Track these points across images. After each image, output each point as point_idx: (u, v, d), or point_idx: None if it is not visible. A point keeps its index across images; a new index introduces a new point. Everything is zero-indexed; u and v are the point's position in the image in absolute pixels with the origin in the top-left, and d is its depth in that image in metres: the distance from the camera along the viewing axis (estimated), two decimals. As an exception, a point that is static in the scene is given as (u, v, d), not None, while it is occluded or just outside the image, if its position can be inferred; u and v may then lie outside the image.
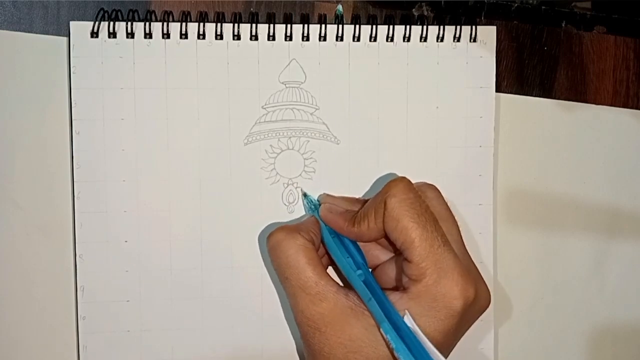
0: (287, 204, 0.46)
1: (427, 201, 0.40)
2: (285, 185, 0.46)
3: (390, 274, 0.42)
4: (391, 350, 0.37)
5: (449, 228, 0.41)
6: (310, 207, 0.45)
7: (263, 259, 0.45)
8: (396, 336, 0.36)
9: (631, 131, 0.49)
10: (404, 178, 0.40)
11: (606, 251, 0.49)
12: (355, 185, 0.46)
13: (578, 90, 0.49)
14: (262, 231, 0.45)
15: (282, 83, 0.45)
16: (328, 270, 0.41)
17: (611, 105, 0.49)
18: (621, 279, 0.49)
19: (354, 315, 0.38)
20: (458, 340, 0.41)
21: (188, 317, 0.45)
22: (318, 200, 0.45)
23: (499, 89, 0.47)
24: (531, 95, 0.48)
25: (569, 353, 0.49)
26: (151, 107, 0.45)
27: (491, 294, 0.40)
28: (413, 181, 0.40)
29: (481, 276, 0.41)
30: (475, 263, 0.40)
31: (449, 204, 0.42)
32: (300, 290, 0.39)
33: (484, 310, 0.41)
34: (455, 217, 0.41)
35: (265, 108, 0.45)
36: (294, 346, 0.46)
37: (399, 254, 0.40)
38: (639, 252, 0.49)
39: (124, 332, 0.45)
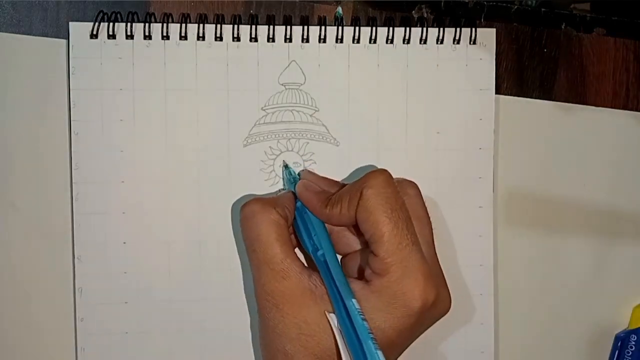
0: (286, 205, 0.45)
1: (404, 198, 0.40)
2: (285, 188, 0.45)
3: (357, 264, 0.42)
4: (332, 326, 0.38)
5: (421, 228, 0.40)
6: (289, 180, 0.44)
7: (233, 228, 0.45)
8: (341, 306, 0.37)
9: (631, 133, 0.49)
10: (384, 171, 0.40)
11: (606, 253, 0.49)
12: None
13: (578, 92, 0.49)
14: (236, 202, 0.45)
15: (282, 84, 0.45)
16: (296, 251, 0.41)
17: (611, 107, 0.49)
18: (621, 281, 0.49)
19: (312, 299, 0.39)
20: (412, 341, 0.40)
21: (186, 319, 0.45)
22: (299, 175, 0.45)
23: (498, 90, 0.47)
24: (531, 97, 0.48)
25: (569, 355, 0.49)
26: (150, 108, 0.44)
27: (492, 295, 0.39)
28: (407, 177, 0.39)
29: (445, 281, 0.41)
30: (476, 266, 0.40)
31: (449, 206, 0.41)
32: (265, 265, 0.39)
33: (443, 315, 0.40)
34: (455, 219, 0.41)
35: (264, 110, 0.45)
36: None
37: (366, 246, 0.40)
38: (638, 254, 0.49)
39: (122, 333, 0.44)
